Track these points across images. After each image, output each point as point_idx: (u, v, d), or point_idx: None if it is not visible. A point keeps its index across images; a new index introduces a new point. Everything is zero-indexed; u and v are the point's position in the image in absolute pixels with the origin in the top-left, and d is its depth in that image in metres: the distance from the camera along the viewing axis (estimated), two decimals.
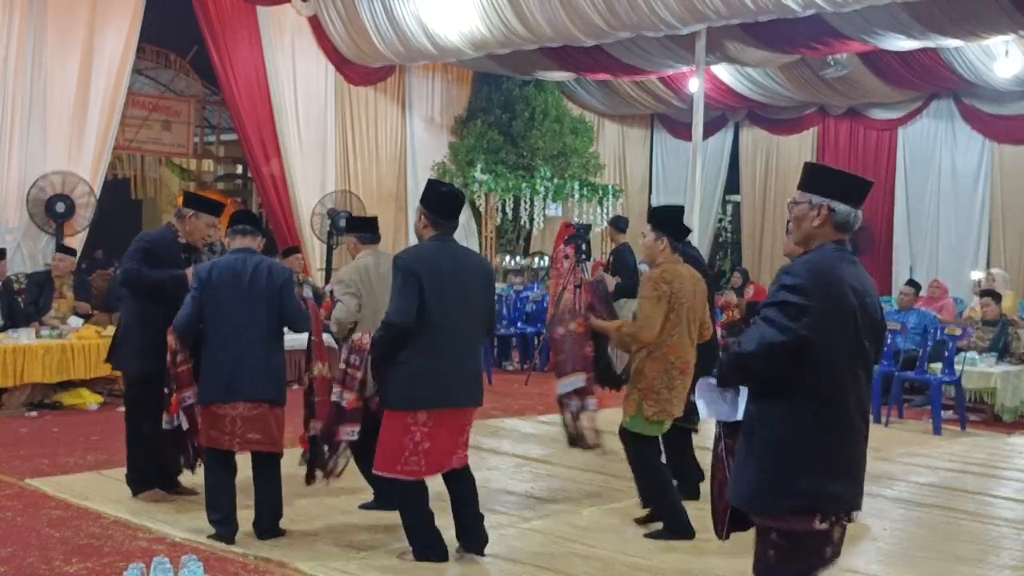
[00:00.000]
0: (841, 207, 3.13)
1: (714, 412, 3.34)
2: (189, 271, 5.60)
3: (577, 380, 5.58)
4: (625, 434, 5.44)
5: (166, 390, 5.37)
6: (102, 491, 5.99)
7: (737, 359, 3.09)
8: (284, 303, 5.23)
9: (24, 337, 8.60)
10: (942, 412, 9.17)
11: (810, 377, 3.02)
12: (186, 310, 5.20)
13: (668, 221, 5.51)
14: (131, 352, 5.78)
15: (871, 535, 5.67)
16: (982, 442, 8.79)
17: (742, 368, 3.09)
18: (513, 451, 7.62)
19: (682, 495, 5.75)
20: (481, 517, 4.97)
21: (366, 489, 5.99)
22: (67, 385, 8.90)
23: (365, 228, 6.08)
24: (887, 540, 5.61)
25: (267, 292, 5.18)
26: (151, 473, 5.86)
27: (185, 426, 5.29)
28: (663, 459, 5.68)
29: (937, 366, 9.50)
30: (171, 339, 5.28)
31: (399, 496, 4.88)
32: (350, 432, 5.22)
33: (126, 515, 5.51)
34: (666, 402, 5.30)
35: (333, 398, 5.19)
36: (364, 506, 5.88)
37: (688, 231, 5.74)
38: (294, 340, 5.84)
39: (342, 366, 5.22)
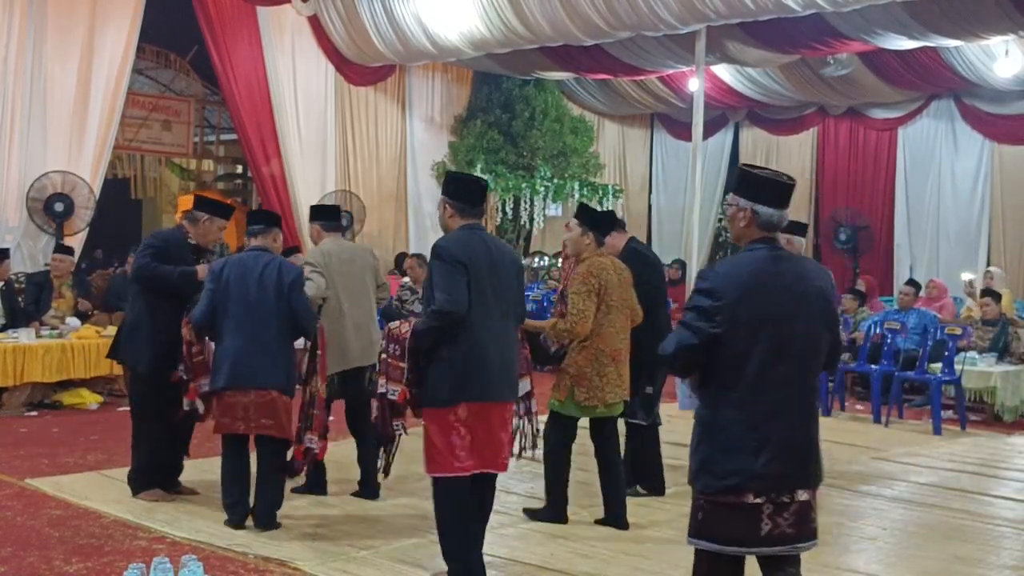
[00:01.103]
0: (764, 209, 3.40)
1: (687, 405, 3.79)
2: (200, 268, 5.79)
3: (524, 385, 5.52)
4: (553, 417, 5.64)
5: (184, 377, 5.60)
6: (102, 491, 5.99)
7: (663, 359, 3.50)
8: (292, 300, 5.41)
9: (24, 337, 8.61)
10: (942, 412, 9.17)
11: (731, 366, 3.32)
12: (201, 304, 5.42)
13: (593, 218, 5.70)
14: (141, 347, 5.82)
15: (871, 535, 5.68)
16: (982, 442, 8.79)
17: (669, 366, 3.56)
18: (513, 451, 7.60)
19: (648, 491, 6.29)
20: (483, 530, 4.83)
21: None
22: (67, 385, 8.90)
23: (329, 216, 6.33)
24: (887, 540, 5.61)
25: (276, 288, 5.37)
26: (152, 473, 5.90)
27: (201, 410, 5.58)
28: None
29: (937, 366, 9.49)
30: (186, 331, 5.54)
31: (441, 497, 4.58)
32: (398, 425, 4.99)
33: (126, 515, 5.51)
34: (597, 388, 5.48)
35: (380, 390, 4.94)
36: (297, 490, 6.03)
37: (613, 225, 5.92)
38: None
39: (383, 356, 4.93)
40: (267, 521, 5.35)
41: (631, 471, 6.32)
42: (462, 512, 4.58)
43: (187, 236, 6.00)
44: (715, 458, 3.33)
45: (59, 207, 10.81)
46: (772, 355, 3.31)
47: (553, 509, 5.67)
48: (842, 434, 8.71)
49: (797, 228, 6.66)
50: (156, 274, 5.79)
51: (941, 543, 5.56)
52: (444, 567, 4.65)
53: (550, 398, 5.66)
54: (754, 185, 3.44)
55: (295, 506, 5.80)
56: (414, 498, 5.85)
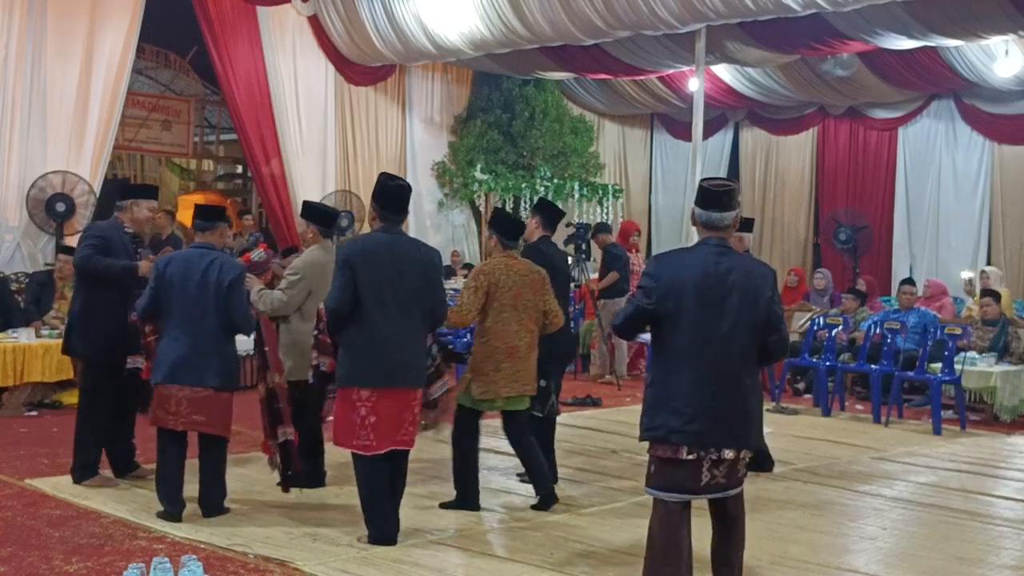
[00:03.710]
0: (698, 211, 4.13)
1: None
2: (143, 264, 6.02)
3: None
4: (457, 409, 5.87)
5: (142, 358, 5.79)
6: (102, 491, 5.99)
7: (613, 327, 4.36)
8: (230, 299, 5.53)
9: (24, 337, 8.61)
10: (942, 412, 9.16)
11: (662, 338, 4.04)
12: (144, 300, 5.60)
13: (500, 223, 6.06)
14: (89, 335, 6.05)
15: (871, 535, 5.68)
16: (982, 442, 8.79)
17: (617, 333, 4.35)
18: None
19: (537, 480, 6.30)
20: (398, 504, 5.25)
21: None
22: (67, 385, 8.88)
23: (328, 223, 6.44)
24: (887, 540, 5.61)
25: (216, 287, 5.49)
26: (96, 461, 6.13)
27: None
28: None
29: (937, 366, 9.49)
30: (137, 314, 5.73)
31: (358, 472, 5.13)
32: (331, 389, 5.56)
33: (126, 515, 5.52)
34: (492, 383, 5.75)
35: (313, 362, 5.57)
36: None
37: (518, 233, 6.16)
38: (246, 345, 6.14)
39: (315, 333, 5.61)
40: (212, 512, 5.51)
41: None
42: (371, 479, 5.11)
43: (124, 227, 6.16)
44: (648, 412, 4.06)
45: (60, 207, 10.80)
46: (699, 333, 3.96)
47: (462, 499, 5.85)
48: (842, 434, 8.72)
49: (743, 225, 6.93)
50: (98, 266, 5.96)
51: (941, 543, 5.56)
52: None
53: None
54: (696, 192, 4.16)
55: (294, 505, 5.81)
56: (413, 498, 5.84)
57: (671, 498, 4.03)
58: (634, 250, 12.23)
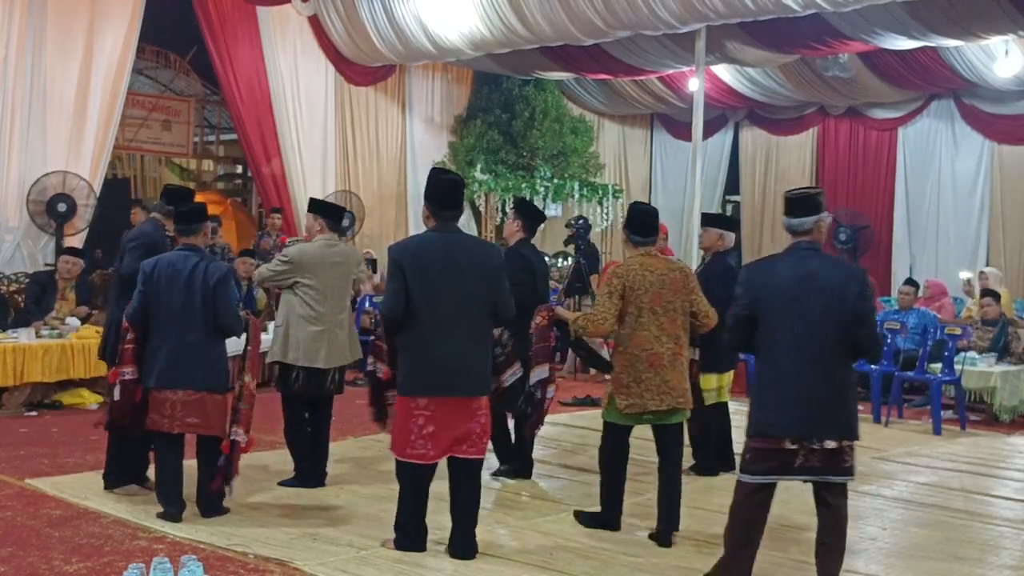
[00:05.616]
0: (784, 219, 4.50)
1: None
2: None
3: (542, 371, 5.91)
4: (604, 426, 5.62)
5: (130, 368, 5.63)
6: (102, 491, 5.97)
7: (726, 343, 4.84)
8: (217, 302, 5.52)
9: (24, 337, 8.60)
10: (942, 412, 9.16)
11: (761, 340, 4.39)
12: (133, 303, 5.55)
13: (632, 219, 5.51)
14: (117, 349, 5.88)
15: (871, 535, 5.68)
16: (982, 442, 8.80)
17: (730, 347, 4.96)
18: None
19: (513, 475, 6.56)
20: (474, 523, 4.98)
21: (367, 486, 6.01)
22: (67, 385, 8.88)
23: (335, 217, 6.47)
24: (887, 540, 5.62)
25: (202, 289, 5.48)
26: (133, 469, 6.01)
27: (116, 398, 5.59)
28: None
29: (937, 366, 9.49)
30: (126, 319, 5.64)
31: (400, 477, 4.95)
32: (391, 396, 5.21)
33: (126, 515, 5.51)
34: (637, 396, 5.26)
35: (369, 368, 5.39)
36: (284, 483, 6.18)
37: (652, 227, 5.55)
38: (235, 348, 6.04)
39: (372, 338, 5.44)
40: (211, 512, 5.50)
41: (503, 450, 6.68)
42: (415, 494, 4.94)
43: (164, 229, 6.13)
44: (753, 408, 4.41)
45: (61, 207, 10.80)
46: (792, 332, 4.27)
47: (602, 515, 5.55)
48: None
49: (722, 222, 7.07)
50: None
51: (941, 543, 5.57)
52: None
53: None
54: (784, 201, 4.52)
55: (294, 505, 5.81)
56: None
57: (766, 480, 4.34)
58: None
